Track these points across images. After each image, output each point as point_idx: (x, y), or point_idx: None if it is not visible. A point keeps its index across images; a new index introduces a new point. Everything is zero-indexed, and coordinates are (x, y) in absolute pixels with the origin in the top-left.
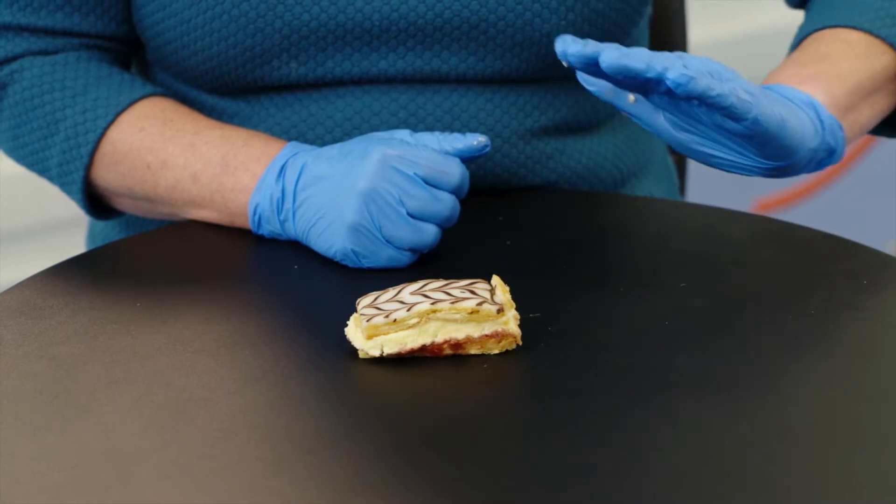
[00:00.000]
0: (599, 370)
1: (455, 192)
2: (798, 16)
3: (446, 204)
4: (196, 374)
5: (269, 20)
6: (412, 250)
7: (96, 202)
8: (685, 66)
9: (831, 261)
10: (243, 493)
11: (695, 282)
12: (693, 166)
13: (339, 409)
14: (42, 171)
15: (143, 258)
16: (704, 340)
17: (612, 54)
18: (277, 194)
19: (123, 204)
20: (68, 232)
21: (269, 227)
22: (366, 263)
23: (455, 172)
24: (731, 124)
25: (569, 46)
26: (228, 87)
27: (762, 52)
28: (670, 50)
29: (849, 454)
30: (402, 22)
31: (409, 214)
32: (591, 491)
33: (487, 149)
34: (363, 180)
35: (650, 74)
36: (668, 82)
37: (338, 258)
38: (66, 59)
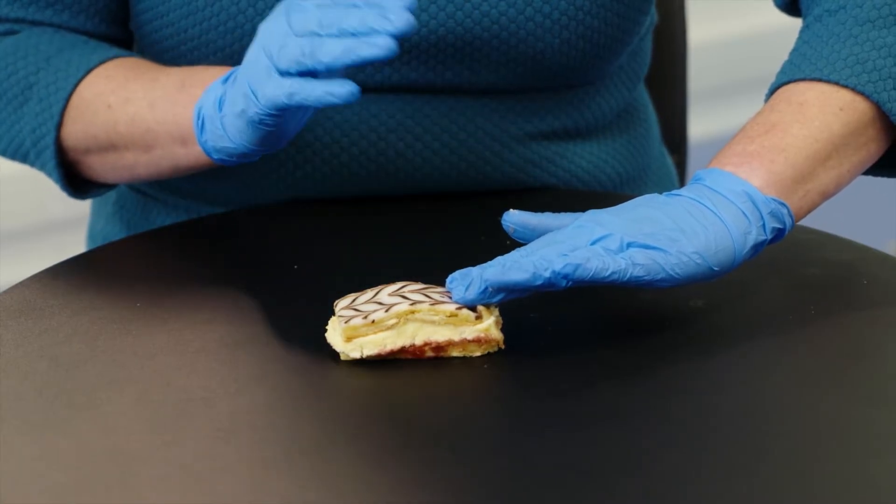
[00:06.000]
0: (597, 370)
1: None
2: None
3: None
4: (196, 374)
5: None
6: (305, 75)
7: (71, 177)
8: (573, 251)
9: (831, 260)
10: (243, 493)
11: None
12: (692, 168)
13: (340, 409)
14: (17, 149)
15: (143, 258)
16: (702, 340)
17: (493, 272)
18: (221, 93)
19: (92, 163)
20: (68, 232)
21: (211, 128)
22: (261, 101)
23: None
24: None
25: (454, 292)
26: None
27: (762, 53)
28: (671, 51)
29: (849, 455)
30: None
31: (295, 36)
32: (585, 492)
33: None
34: (264, 22)
35: (539, 282)
36: (557, 278)
37: (248, 115)
38: (42, 30)
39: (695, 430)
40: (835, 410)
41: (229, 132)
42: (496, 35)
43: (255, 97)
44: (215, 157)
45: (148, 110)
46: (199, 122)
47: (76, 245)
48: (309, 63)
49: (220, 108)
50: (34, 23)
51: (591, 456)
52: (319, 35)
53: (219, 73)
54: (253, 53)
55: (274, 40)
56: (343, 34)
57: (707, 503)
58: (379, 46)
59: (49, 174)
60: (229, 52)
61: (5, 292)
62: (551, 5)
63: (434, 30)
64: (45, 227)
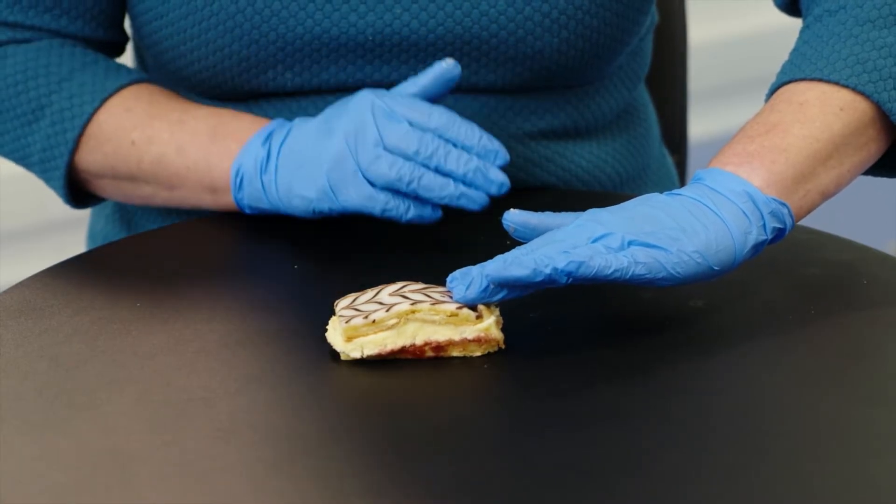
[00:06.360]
0: (597, 370)
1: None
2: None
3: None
4: (196, 374)
5: (263, 32)
6: (392, 190)
7: (74, 190)
8: (574, 249)
9: (831, 260)
10: (243, 493)
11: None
12: (692, 168)
13: (340, 409)
14: (22, 158)
15: (143, 258)
16: (702, 340)
17: (494, 267)
18: (262, 155)
19: (104, 186)
20: (68, 232)
21: (250, 189)
22: (341, 202)
23: (433, 112)
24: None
25: (455, 291)
26: (227, 95)
27: (762, 53)
28: (671, 50)
29: (849, 455)
30: (395, 37)
31: (386, 149)
32: (585, 492)
33: (458, 70)
34: (347, 116)
35: (539, 278)
36: (558, 275)
37: (315, 205)
38: (50, 45)
39: (695, 430)
40: (835, 410)
41: (272, 198)
42: (495, 34)
43: (334, 195)
44: (248, 211)
45: (176, 154)
46: (238, 180)
47: (76, 245)
48: (405, 188)
49: (263, 171)
50: (32, 28)
51: (591, 456)
52: (415, 161)
53: (251, 124)
54: (335, 148)
55: (364, 148)
56: (441, 171)
57: (707, 503)
58: (477, 203)
59: (53, 189)
60: (228, 51)
61: (5, 292)
62: (550, 4)
63: (433, 29)
64: (45, 227)
